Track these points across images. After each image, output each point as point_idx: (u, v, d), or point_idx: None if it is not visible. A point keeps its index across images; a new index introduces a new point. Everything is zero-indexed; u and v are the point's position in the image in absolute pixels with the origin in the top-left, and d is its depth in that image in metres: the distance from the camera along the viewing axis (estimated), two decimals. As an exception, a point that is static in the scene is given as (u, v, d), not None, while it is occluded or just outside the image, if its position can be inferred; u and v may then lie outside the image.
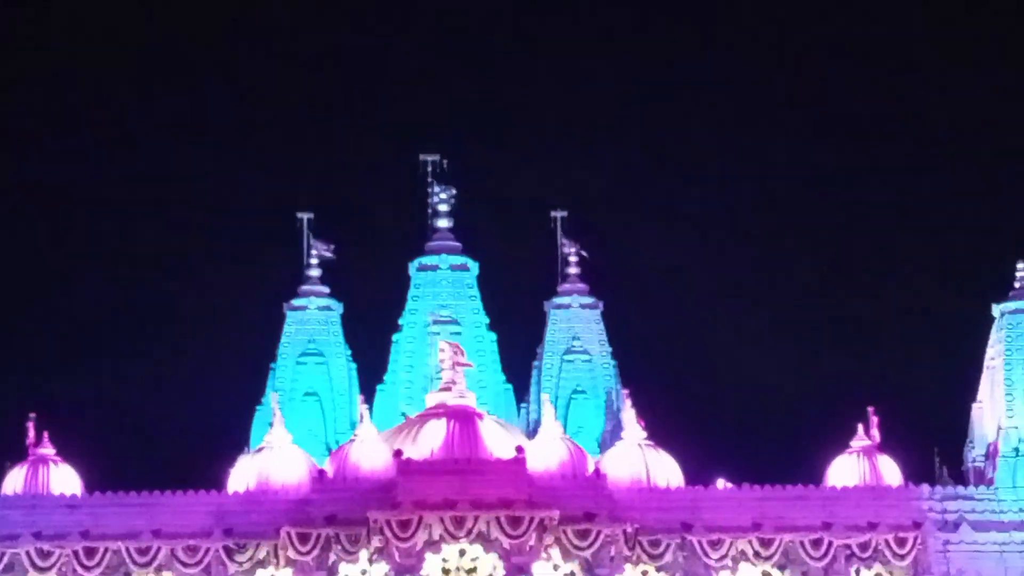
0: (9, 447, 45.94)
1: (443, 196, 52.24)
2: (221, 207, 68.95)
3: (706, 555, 43.62)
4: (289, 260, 51.83)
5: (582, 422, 49.95)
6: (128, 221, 68.88)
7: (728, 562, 43.89)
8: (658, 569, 44.01)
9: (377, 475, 43.74)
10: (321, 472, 44.24)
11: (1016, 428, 45.96)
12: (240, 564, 43.23)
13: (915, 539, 43.93)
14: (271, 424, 46.98)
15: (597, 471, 44.24)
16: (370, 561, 42.69)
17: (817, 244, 69.68)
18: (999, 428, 45.82)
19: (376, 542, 42.44)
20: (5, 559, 42.94)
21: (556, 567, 43.16)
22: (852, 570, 44.27)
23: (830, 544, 43.73)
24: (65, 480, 44.83)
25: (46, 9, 71.25)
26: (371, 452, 44.63)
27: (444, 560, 42.72)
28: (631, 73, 70.79)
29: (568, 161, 69.29)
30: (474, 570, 43.37)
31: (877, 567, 44.34)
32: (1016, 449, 45.33)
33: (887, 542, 43.89)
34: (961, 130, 68.20)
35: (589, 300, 51.46)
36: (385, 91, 70.83)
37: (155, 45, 71.12)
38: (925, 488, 44.89)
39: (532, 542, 42.47)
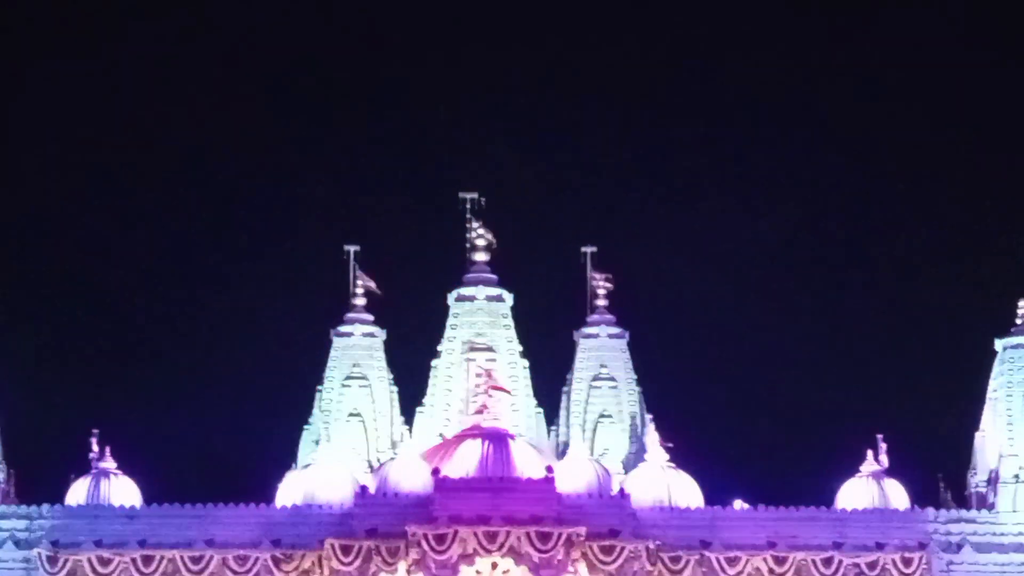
0: (74, 460, 46.33)
1: (482, 238, 52.14)
2: (274, 239, 68.52)
3: (723, 571, 44.18)
4: (336, 290, 51.68)
5: (608, 445, 50.39)
6: (186, 250, 68.40)
7: (744, 578, 44.44)
8: (678, 584, 44.37)
9: (416, 492, 44.55)
10: (363, 488, 44.85)
11: (1016, 456, 45.74)
12: (287, 573, 43.96)
13: (920, 559, 44.41)
14: (317, 443, 47.96)
15: (622, 491, 44.95)
16: (408, 572, 43.27)
17: (833, 280, 68.19)
18: (1000, 456, 46.18)
19: (414, 554, 43.04)
20: (68, 565, 43.24)
21: (582, 581, 43.21)
22: (860, 588, 44.40)
23: (840, 563, 44.24)
24: (125, 492, 45.46)
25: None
26: (410, 470, 45.42)
27: (477, 572, 43.49)
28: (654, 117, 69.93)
29: (600, 198, 68.21)
30: (506, 582, 43.74)
31: (884, 586, 44.51)
32: (1016, 476, 45.75)
33: (894, 562, 44.40)
34: (966, 173, 67.15)
35: (616, 330, 51.74)
36: (425, 131, 69.90)
37: (199, 82, 70.71)
38: (930, 511, 45.56)
39: (560, 556, 43.07)
